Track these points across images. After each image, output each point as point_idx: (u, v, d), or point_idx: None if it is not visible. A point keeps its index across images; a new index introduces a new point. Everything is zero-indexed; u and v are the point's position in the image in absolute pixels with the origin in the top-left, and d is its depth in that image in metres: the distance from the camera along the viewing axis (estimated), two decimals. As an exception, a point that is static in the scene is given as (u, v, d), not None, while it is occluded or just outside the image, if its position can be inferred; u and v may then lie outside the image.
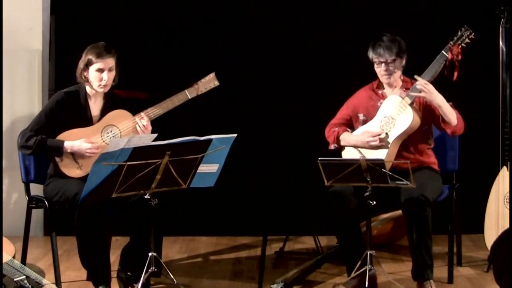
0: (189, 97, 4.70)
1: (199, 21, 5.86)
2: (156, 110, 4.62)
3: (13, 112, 5.84)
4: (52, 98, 4.62)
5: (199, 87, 4.72)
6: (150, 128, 4.59)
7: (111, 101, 4.62)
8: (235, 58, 5.82)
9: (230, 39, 5.86)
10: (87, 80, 4.55)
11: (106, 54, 4.50)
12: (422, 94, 4.50)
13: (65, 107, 4.55)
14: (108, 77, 4.51)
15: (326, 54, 5.82)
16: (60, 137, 4.49)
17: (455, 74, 4.54)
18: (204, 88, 4.74)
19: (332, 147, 4.78)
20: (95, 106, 4.61)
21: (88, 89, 4.60)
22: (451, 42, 4.57)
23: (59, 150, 4.45)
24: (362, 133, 4.68)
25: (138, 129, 4.56)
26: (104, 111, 4.60)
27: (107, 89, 4.56)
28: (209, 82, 4.76)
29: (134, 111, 4.60)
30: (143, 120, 4.57)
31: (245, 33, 5.86)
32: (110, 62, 4.52)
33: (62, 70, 5.79)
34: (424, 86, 4.49)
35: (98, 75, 4.51)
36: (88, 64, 4.51)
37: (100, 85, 4.52)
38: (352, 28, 5.75)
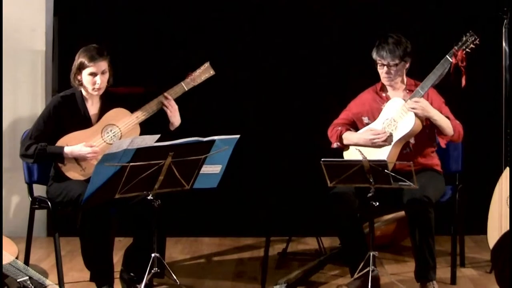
0: (186, 89, 4.66)
1: (200, 17, 5.87)
2: (153, 105, 4.61)
3: (16, 113, 5.86)
4: (49, 103, 4.62)
5: (195, 78, 4.68)
6: (176, 107, 4.60)
7: (109, 100, 4.61)
8: (237, 59, 5.82)
9: (232, 39, 5.86)
10: (81, 84, 4.54)
11: (99, 58, 4.48)
12: (417, 111, 4.49)
13: (63, 111, 4.54)
14: (101, 81, 4.49)
15: (329, 54, 5.82)
16: (61, 141, 4.48)
17: (463, 80, 4.54)
18: (200, 79, 4.69)
19: (334, 145, 4.78)
20: (92, 107, 4.61)
21: (83, 91, 4.59)
22: (456, 47, 4.56)
23: (60, 156, 4.45)
24: (365, 131, 4.68)
25: (167, 110, 4.56)
26: (102, 111, 4.59)
27: (101, 92, 4.54)
28: (205, 72, 4.70)
29: (132, 107, 4.59)
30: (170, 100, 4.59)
31: (247, 33, 5.86)
32: (103, 65, 4.50)
33: (65, 71, 5.70)
34: (416, 105, 4.49)
35: (91, 79, 4.49)
36: (81, 67, 4.49)
37: (94, 88, 4.51)
38: (356, 29, 5.75)
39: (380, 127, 4.62)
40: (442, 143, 4.67)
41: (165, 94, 4.60)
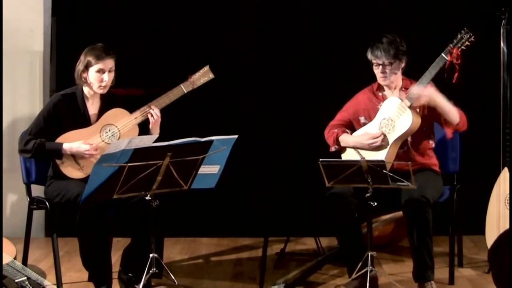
0: (185, 91, 4.67)
1: (199, 19, 5.87)
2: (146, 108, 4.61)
3: (14, 113, 5.86)
4: (50, 101, 4.63)
5: (195, 80, 4.69)
6: (159, 120, 4.59)
7: (108, 101, 4.62)
8: (235, 60, 5.82)
9: (231, 40, 5.86)
10: (86, 82, 4.55)
11: (106, 56, 4.50)
12: (423, 101, 4.49)
13: (63, 109, 4.55)
14: (108, 78, 4.51)
15: (327, 55, 5.82)
16: (60, 139, 4.49)
17: (455, 76, 4.53)
18: (199, 82, 4.71)
19: (333, 149, 4.78)
20: (92, 107, 4.61)
21: (85, 90, 4.60)
22: (451, 45, 4.56)
23: (58, 152, 4.46)
24: (361, 134, 4.68)
25: (152, 119, 4.56)
26: (102, 111, 4.60)
27: (106, 90, 4.56)
28: (204, 75, 4.71)
29: (131, 109, 4.60)
30: (155, 110, 4.58)
31: (246, 34, 5.87)
32: (110, 63, 4.52)
33: (63, 72, 5.79)
34: (422, 93, 4.49)
35: (98, 76, 4.51)
36: (88, 65, 4.51)
37: (100, 86, 4.52)
38: (353, 29, 5.75)
39: (377, 127, 4.62)
40: (449, 132, 4.61)
41: (152, 105, 4.59)
